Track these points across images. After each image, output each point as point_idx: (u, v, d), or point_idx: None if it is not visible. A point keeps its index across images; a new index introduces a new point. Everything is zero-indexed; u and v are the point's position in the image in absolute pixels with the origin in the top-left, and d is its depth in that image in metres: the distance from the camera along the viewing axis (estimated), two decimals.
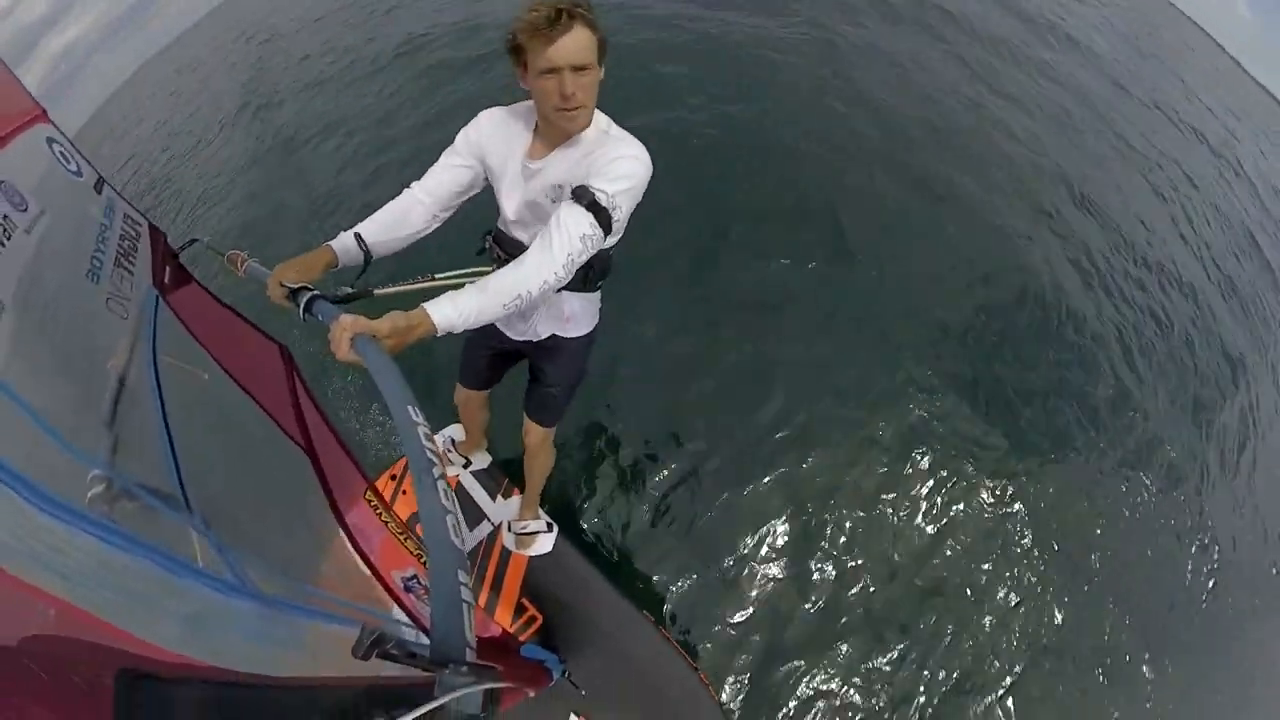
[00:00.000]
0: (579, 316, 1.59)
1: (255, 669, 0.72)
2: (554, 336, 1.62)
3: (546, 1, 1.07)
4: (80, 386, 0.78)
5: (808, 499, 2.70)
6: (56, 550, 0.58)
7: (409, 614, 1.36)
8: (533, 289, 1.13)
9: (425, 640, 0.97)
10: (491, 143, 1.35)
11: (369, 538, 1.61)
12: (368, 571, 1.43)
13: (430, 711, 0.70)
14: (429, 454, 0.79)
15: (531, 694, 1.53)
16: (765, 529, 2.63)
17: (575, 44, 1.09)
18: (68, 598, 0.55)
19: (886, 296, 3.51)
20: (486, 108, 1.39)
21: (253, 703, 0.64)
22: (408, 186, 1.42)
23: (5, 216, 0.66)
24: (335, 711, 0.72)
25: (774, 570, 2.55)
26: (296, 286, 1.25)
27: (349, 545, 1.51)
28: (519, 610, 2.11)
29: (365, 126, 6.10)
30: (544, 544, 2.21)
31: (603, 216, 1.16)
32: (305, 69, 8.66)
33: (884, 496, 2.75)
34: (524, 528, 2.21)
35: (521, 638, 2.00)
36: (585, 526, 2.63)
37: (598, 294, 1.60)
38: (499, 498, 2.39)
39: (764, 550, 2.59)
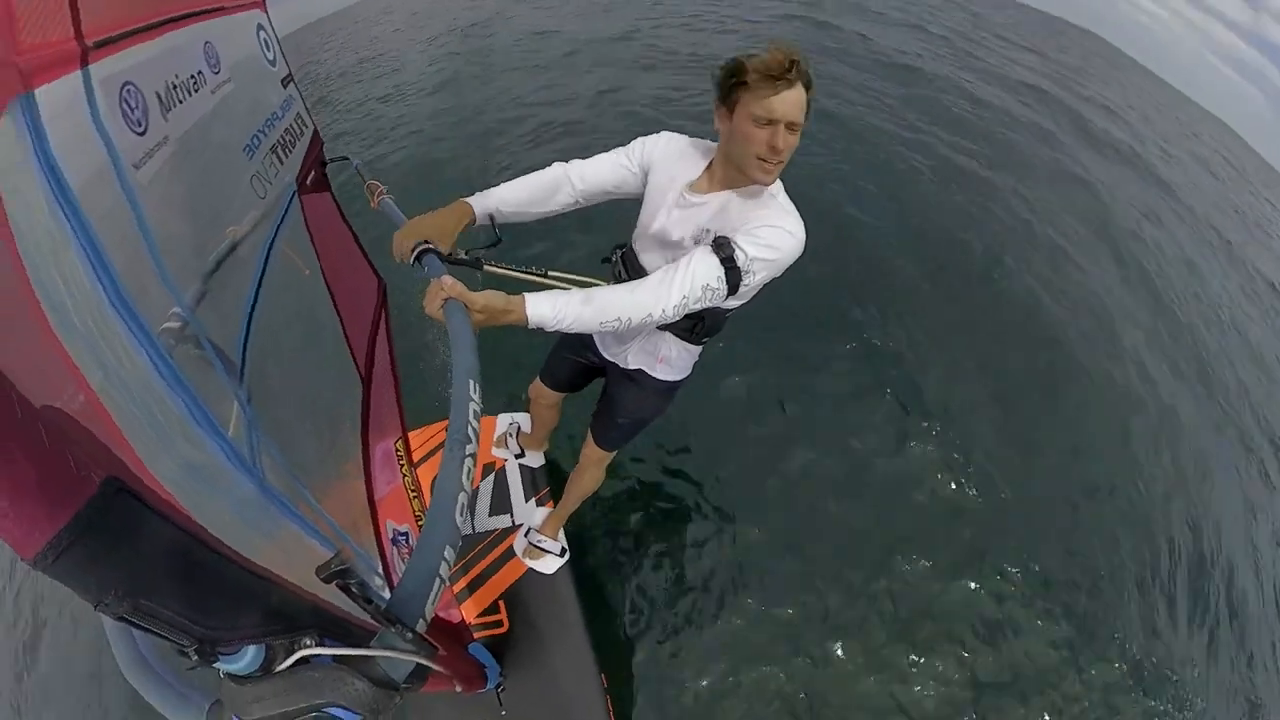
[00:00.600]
0: (673, 362, 1.55)
1: (228, 541, 0.73)
2: (641, 372, 1.58)
3: (780, 47, 1.05)
4: (197, 234, 0.85)
5: (836, 642, 2.44)
6: (113, 352, 0.62)
7: (384, 564, 1.36)
8: (635, 317, 1.12)
9: (387, 594, 0.96)
10: (663, 161, 1.32)
11: (382, 482, 1.66)
12: (367, 508, 1.46)
13: (354, 659, 0.68)
14: (470, 430, 0.80)
15: (459, 689, 1.48)
16: (774, 655, 2.39)
17: (798, 100, 1.07)
18: (100, 395, 0.58)
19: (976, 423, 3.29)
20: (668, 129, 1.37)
21: (210, 565, 0.65)
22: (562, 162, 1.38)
23: (199, 72, 0.75)
24: (276, 610, 0.71)
25: (762, 699, 2.29)
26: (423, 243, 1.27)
27: (362, 478, 1.56)
28: (490, 610, 2.06)
29: (567, 112, 6.58)
30: (548, 565, 2.16)
31: (733, 275, 1.13)
32: (532, 42, 9.48)
33: (916, 650, 2.46)
34: (539, 541, 2.18)
35: (477, 635, 1.95)
36: (595, 565, 2.55)
37: (700, 348, 1.55)
38: (532, 501, 2.38)
39: (763, 675, 2.34)
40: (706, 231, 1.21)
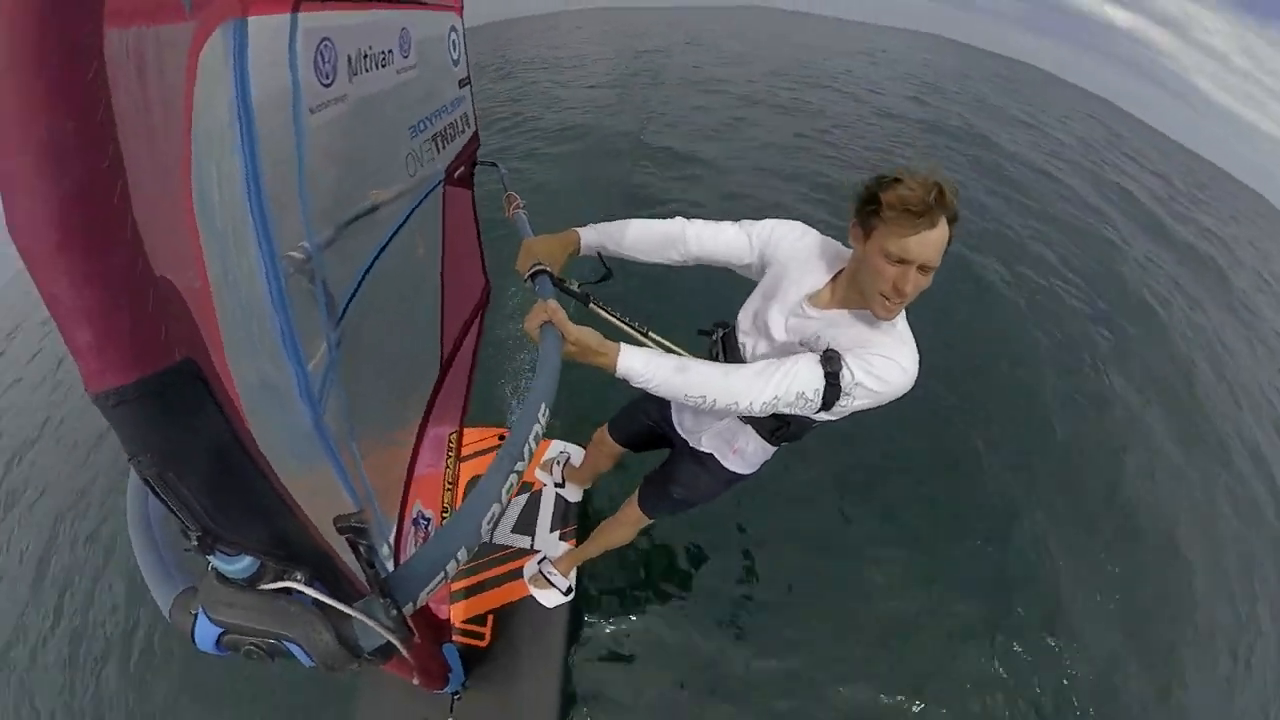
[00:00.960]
0: (746, 456, 1.49)
1: (270, 459, 0.78)
2: (712, 456, 1.54)
3: (925, 178, 0.97)
4: (344, 187, 0.95)
5: None
6: (238, 256, 0.70)
7: (398, 537, 1.38)
8: (721, 401, 1.07)
9: (390, 566, 0.98)
10: (788, 259, 1.25)
11: (425, 463, 1.71)
12: (403, 481, 1.50)
13: (333, 611, 0.69)
14: (526, 449, 0.81)
15: (415, 682, 1.44)
16: None
17: (936, 241, 0.98)
18: (213, 287, 0.65)
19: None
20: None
21: (243, 472, 0.68)
22: (684, 218, 1.35)
23: (390, 51, 0.87)
24: (284, 536, 0.73)
25: None
26: (538, 264, 1.28)
27: (409, 451, 1.61)
28: (478, 620, 2.03)
29: (694, 115, 8.37)
30: (550, 598, 2.12)
31: (832, 393, 1.06)
32: (689, 71, 12.03)
33: None
34: (550, 573, 2.15)
35: (456, 638, 1.92)
36: (596, 614, 2.44)
37: (776, 449, 1.48)
38: (556, 533, 2.37)
39: None
40: (818, 338, 1.15)
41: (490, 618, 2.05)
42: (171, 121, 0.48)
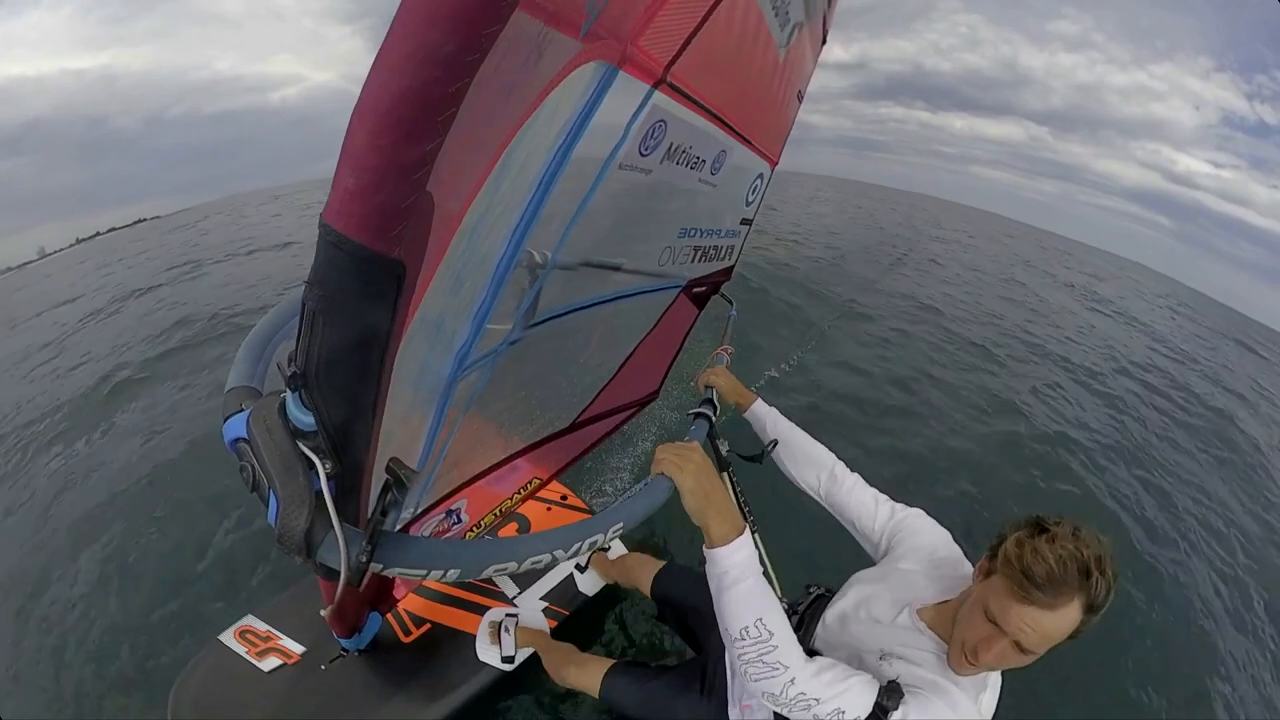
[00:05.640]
0: (749, 717, 1.33)
1: (394, 376, 0.86)
2: (722, 693, 1.40)
3: (1074, 547, 0.82)
4: (603, 238, 1.08)
5: None
6: (494, 221, 0.82)
7: (419, 511, 1.40)
8: (762, 650, 0.93)
9: (396, 525, 1.01)
10: (917, 557, 1.18)
11: (495, 481, 1.73)
12: (467, 476, 1.54)
13: (322, 501, 0.68)
14: (575, 548, 0.87)
15: (323, 613, 1.42)
16: None
17: (1050, 625, 0.84)
18: (462, 226, 0.76)
19: None
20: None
21: (369, 366, 0.74)
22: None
23: (703, 160, 0.99)
24: (350, 431, 0.77)
25: None
26: (710, 399, 1.40)
27: (491, 464, 1.66)
28: (417, 620, 1.96)
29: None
30: (487, 653, 1.93)
31: None
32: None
33: None
34: (508, 631, 1.97)
35: (389, 615, 1.86)
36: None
37: None
38: (544, 605, 2.15)
39: None
40: (894, 659, 1.01)
41: (427, 626, 1.94)
42: (520, 98, 0.59)
